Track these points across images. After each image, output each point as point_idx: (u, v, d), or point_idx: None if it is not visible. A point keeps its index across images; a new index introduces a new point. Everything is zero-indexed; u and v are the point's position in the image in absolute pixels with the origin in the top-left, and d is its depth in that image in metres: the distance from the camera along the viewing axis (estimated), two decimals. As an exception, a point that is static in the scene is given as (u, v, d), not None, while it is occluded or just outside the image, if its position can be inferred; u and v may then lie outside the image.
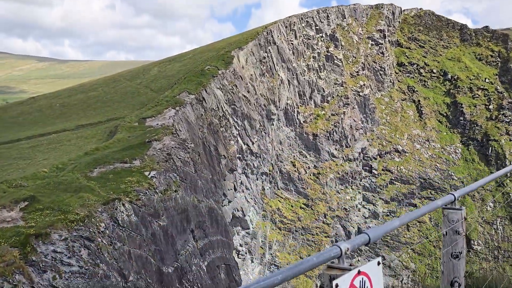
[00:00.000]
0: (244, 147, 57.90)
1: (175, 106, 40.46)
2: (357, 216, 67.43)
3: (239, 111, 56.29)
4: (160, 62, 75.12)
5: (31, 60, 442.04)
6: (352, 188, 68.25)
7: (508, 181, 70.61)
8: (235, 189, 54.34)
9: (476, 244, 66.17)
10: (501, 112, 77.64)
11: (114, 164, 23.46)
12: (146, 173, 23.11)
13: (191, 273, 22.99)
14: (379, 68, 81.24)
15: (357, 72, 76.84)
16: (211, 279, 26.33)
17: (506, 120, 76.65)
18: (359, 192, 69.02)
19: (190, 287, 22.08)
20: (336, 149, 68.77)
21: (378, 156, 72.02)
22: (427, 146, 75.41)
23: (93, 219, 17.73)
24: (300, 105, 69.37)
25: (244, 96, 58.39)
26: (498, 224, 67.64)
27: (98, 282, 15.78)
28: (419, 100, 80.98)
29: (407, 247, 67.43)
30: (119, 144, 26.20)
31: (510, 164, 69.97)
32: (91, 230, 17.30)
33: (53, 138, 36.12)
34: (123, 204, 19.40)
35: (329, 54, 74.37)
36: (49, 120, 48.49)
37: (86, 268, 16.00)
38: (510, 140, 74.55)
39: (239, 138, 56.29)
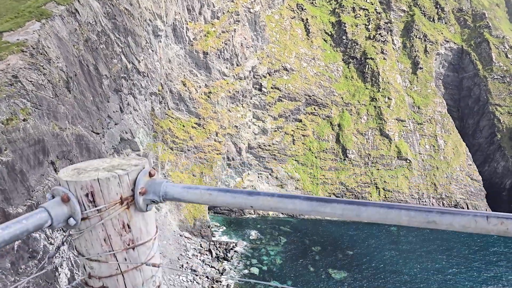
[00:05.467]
0: (130, 66, 54.45)
1: (40, 19, 35.52)
2: (247, 133, 70.16)
3: (121, 26, 51.80)
4: (23, -35, 63.83)
5: None
6: (242, 106, 69.91)
7: (380, 95, 78.62)
8: (122, 111, 51.91)
9: (350, 153, 74.38)
10: (378, 32, 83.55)
11: None
12: (-19, 101, 20.05)
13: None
14: (269, -17, 79.81)
15: (248, -13, 74.67)
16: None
17: (382, 40, 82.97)
18: (250, 110, 71.14)
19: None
20: (227, 67, 68.49)
21: (267, 74, 73.78)
22: (312, 64, 79.07)
23: None
24: (190, 21, 66.19)
25: (126, 9, 53.48)
26: (369, 134, 76.26)
27: None
28: (307, 19, 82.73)
29: (293, 159, 73.20)
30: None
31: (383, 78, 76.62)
32: None
33: None
34: None
35: (218, -35, 70.34)
36: None
37: None
38: (384, 59, 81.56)
39: (122, 56, 52.50)
